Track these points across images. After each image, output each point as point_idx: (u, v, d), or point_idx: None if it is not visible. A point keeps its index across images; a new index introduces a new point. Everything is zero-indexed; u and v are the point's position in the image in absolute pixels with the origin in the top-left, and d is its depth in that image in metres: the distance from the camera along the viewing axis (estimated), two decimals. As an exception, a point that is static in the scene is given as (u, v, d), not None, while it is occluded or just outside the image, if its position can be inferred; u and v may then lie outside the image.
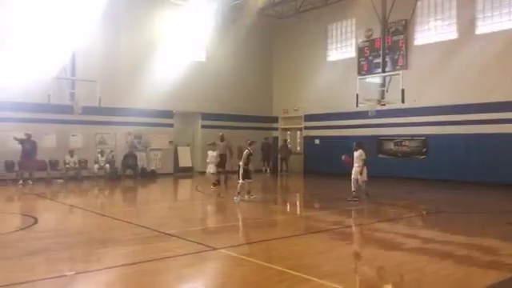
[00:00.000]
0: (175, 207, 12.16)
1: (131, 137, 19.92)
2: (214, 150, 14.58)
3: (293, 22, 23.10)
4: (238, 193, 11.73)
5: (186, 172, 21.25)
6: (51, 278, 5.14)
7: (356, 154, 11.92)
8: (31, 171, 16.17)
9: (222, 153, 15.46)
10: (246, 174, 11.81)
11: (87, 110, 17.07)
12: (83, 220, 9.73)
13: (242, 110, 22.70)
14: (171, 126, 21.18)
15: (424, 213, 10.60)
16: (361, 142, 12.54)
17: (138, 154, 19.81)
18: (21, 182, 15.68)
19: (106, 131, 19.27)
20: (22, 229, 8.04)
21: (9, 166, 16.52)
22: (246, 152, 11.83)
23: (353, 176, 11.93)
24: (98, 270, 5.58)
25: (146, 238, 7.30)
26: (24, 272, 5.32)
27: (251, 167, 12.12)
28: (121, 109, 18.98)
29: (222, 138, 15.71)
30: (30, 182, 15.75)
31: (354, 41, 21.21)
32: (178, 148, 21.67)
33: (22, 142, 15.83)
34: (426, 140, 18.16)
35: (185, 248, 6.56)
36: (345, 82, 20.04)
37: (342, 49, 21.88)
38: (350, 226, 9.06)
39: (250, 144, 12.03)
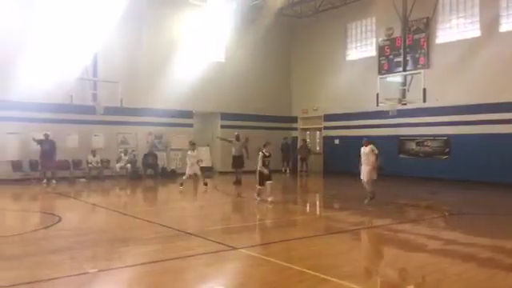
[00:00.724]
0: (195, 207, 12.25)
1: (152, 137, 20.15)
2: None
3: (311, 22, 23.00)
4: (258, 195, 11.43)
5: (206, 172, 21.34)
6: (74, 275, 5.24)
7: (366, 149, 10.86)
8: (51, 171, 16.49)
9: (239, 154, 15.51)
10: (262, 177, 11.28)
11: (109, 111, 17.34)
12: (105, 219, 9.89)
13: (261, 110, 22.72)
14: (191, 126, 21.34)
15: (446, 214, 10.43)
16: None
17: (158, 153, 20.05)
18: (44, 181, 16.02)
19: (128, 131, 19.54)
20: (46, 227, 8.21)
21: (33, 165, 16.90)
22: (260, 154, 11.42)
23: (363, 179, 11.01)
24: (120, 267, 5.67)
25: (167, 236, 7.38)
26: (48, 269, 5.44)
27: (266, 170, 11.33)
28: (142, 109, 19.22)
29: (238, 138, 15.75)
30: (54, 182, 16.08)
31: (374, 40, 20.99)
32: (198, 148, 21.77)
33: (40, 142, 16.16)
34: (449, 140, 17.84)
35: (205, 247, 6.61)
36: (365, 81, 19.86)
37: (362, 48, 21.69)
38: (370, 227, 8.97)
39: (265, 146, 11.56)
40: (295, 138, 24.36)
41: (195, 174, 14.54)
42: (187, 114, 21.01)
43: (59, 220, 8.80)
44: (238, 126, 20.45)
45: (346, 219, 9.63)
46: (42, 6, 16.88)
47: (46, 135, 16.29)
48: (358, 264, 5.98)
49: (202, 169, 15.14)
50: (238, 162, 15.41)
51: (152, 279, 5.17)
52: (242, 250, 6.39)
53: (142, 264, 5.78)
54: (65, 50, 17.15)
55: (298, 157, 22.94)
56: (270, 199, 11.16)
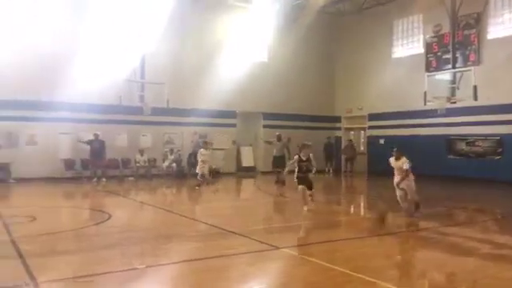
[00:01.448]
0: (238, 206, 12.38)
1: (197, 136, 20.52)
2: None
3: (355, 20, 22.64)
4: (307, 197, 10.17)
5: (249, 172, 21.53)
6: (124, 270, 5.46)
7: (397, 163, 9.34)
8: (101, 169, 17.16)
9: (280, 154, 15.47)
10: (300, 181, 9.98)
11: (156, 111, 17.84)
12: (152, 216, 10.20)
13: (304, 110, 22.61)
14: (234, 126, 21.57)
15: (499, 217, 9.98)
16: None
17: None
18: (95, 179, 16.70)
19: (173, 131, 20.02)
20: (97, 223, 8.58)
21: (84, 164, 17.67)
22: (294, 158, 10.28)
23: (399, 194, 9.40)
24: (165, 264, 5.85)
25: (210, 234, 7.52)
26: (100, 264, 5.69)
27: (299, 174, 9.98)
28: (187, 109, 19.61)
29: (279, 138, 15.70)
30: (104, 180, 16.73)
31: (420, 36, 20.38)
32: (241, 148, 22.03)
33: (90, 142, 16.85)
34: (501, 140, 17.03)
35: (247, 246, 6.68)
36: (411, 79, 19.31)
37: (408, 45, 21.11)
38: (418, 230, 8.72)
39: (301, 148, 10.26)
40: (339, 138, 24.07)
41: (202, 175, 14.42)
42: (231, 114, 21.25)
43: (109, 217, 9.16)
44: (281, 125, 20.45)
45: (392, 221, 9.43)
46: (93, 10, 17.59)
47: (96, 135, 16.96)
48: (403, 267, 5.85)
49: (213, 171, 14.92)
50: (278, 162, 15.37)
51: (195, 277, 5.29)
52: (284, 249, 6.41)
53: (186, 261, 5.93)
54: (114, 53, 17.80)
55: (343, 157, 22.65)
56: (305, 208, 9.82)
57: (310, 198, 10.03)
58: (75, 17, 17.47)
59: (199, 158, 14.58)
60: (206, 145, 14.97)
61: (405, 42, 21.32)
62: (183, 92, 19.22)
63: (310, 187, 10.03)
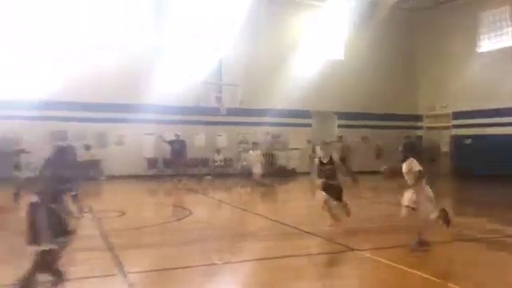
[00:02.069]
0: (314, 206, 12.31)
1: (269, 136, 20.75)
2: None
3: (435, 13, 21.49)
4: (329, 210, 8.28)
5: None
6: (204, 265, 5.71)
7: (404, 167, 6.62)
8: (182, 168, 17.94)
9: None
10: (323, 188, 8.03)
11: (231, 112, 18.33)
12: (229, 214, 10.51)
13: (382, 109, 21.92)
14: (309, 125, 21.47)
15: None
16: (412, 142, 7.52)
17: (277, 153, 20.58)
18: (176, 177, 17.49)
19: (247, 131, 20.39)
20: (178, 219, 9.03)
21: (166, 162, 18.62)
22: (315, 160, 8.62)
23: (404, 203, 6.51)
24: (242, 261, 6.01)
25: (285, 234, 7.60)
26: (180, 258, 6.01)
27: (319, 179, 8.22)
28: (261, 109, 19.89)
29: (340, 139, 15.33)
30: (184, 178, 17.49)
31: (510, 29, 18.86)
32: (316, 147, 21.82)
33: (171, 142, 17.68)
34: None
35: (323, 247, 6.65)
36: (501, 73, 17.94)
37: (497, 38, 19.61)
38: (509, 236, 8.09)
39: (322, 147, 8.52)
40: (419, 138, 22.98)
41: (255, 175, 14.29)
42: (305, 114, 21.18)
43: (190, 213, 9.59)
44: (357, 125, 20.08)
45: (478, 226, 8.85)
46: (174, 15, 18.46)
47: (177, 135, 17.81)
48: (490, 274, 5.48)
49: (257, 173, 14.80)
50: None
51: (269, 275, 5.38)
52: (360, 251, 6.29)
53: (261, 259, 6.05)
54: (193, 55, 18.57)
55: (425, 158, 21.60)
56: (328, 224, 8.03)
57: (344, 211, 8.15)
58: (158, 20, 18.47)
59: (247, 160, 14.68)
60: (254, 145, 15.07)
61: (492, 35, 19.84)
62: (257, 92, 19.52)
63: (338, 197, 8.04)
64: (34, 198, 4.50)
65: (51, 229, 4.42)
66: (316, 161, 8.43)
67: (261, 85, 19.81)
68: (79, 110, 17.06)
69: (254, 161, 14.82)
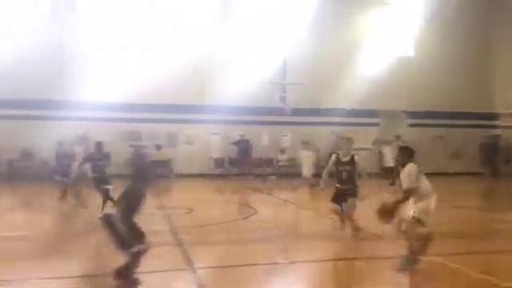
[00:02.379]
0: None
1: (334, 136, 20.39)
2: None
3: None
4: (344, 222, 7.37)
5: (390, 173, 20.59)
6: (267, 264, 5.79)
7: (404, 171, 5.52)
8: (247, 167, 18.19)
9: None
10: (335, 197, 7.19)
11: (295, 112, 18.31)
12: (294, 214, 10.53)
13: (454, 107, 20.76)
14: (375, 125, 20.85)
15: None
16: (407, 146, 6.08)
17: (341, 152, 20.15)
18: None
19: (311, 131, 20.18)
20: (244, 218, 9.19)
21: (232, 162, 19.00)
22: (331, 159, 7.52)
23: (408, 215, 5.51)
24: (308, 261, 6.01)
25: (355, 236, 7.44)
26: (245, 256, 6.13)
27: (337, 184, 7.17)
28: (326, 109, 19.64)
29: (397, 138, 14.72)
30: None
31: None
32: (383, 147, 21.15)
33: (237, 142, 18.01)
34: None
35: (393, 251, 6.44)
36: None
37: None
38: None
39: (345, 141, 7.65)
40: (496, 137, 21.48)
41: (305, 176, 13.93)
42: (372, 113, 20.59)
43: (255, 212, 9.72)
44: (428, 124, 19.20)
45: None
46: (240, 16, 18.79)
47: (241, 135, 18.13)
48: None
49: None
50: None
51: (336, 276, 5.32)
52: (433, 257, 6.02)
53: (327, 260, 6.01)
54: (257, 56, 18.78)
55: (501, 159, 20.19)
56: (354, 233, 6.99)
57: (352, 226, 6.95)
58: (224, 25, 18.91)
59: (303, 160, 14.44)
60: (305, 145, 14.83)
61: None
62: (323, 91, 19.30)
63: (349, 213, 6.96)
64: (109, 210, 4.79)
65: (133, 234, 4.69)
66: (332, 158, 7.22)
67: (327, 83, 19.56)
68: (153, 111, 17.88)
69: (305, 161, 14.73)
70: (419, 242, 5.35)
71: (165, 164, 17.67)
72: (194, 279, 5.20)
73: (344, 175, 7.00)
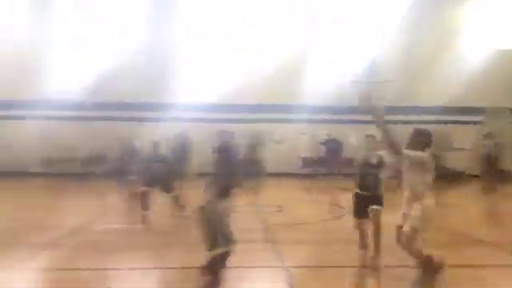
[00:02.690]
0: (481, 212, 11.10)
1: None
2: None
3: None
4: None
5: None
6: (350, 266, 5.73)
7: (415, 156, 5.09)
8: (336, 167, 17.90)
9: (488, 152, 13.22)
10: (356, 210, 6.38)
11: (387, 110, 17.62)
12: (386, 216, 10.11)
13: None
14: (477, 123, 19.33)
15: None
16: (425, 130, 5.33)
17: (440, 154, 19.06)
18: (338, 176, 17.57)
19: (403, 130, 19.29)
20: (335, 217, 9.11)
21: (321, 162, 18.86)
22: (358, 159, 6.58)
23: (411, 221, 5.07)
24: (400, 266, 5.76)
25: (452, 242, 7.04)
26: (331, 256, 6.06)
27: (358, 191, 6.33)
28: (418, 106, 18.66)
29: (488, 136, 13.48)
30: (340, 177, 17.45)
31: None
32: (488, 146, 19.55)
33: (325, 142, 17.94)
34: None
35: (499, 259, 5.97)
36: None
37: None
38: None
39: (369, 139, 6.53)
40: None
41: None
42: (473, 110, 19.14)
43: (346, 213, 9.55)
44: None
45: None
46: (325, 14, 18.61)
47: (328, 135, 17.96)
48: None
49: None
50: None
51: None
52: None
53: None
54: (345, 55, 18.46)
55: None
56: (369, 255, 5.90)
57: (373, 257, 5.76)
58: (309, 24, 18.86)
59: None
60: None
61: None
62: (414, 88, 18.38)
63: (375, 227, 5.96)
64: (204, 201, 4.58)
65: (223, 234, 4.52)
66: (358, 158, 6.22)
67: (418, 80, 18.62)
68: (245, 111, 18.34)
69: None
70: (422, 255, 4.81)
71: (257, 163, 18.09)
72: (286, 277, 5.28)
73: (370, 181, 6.01)
